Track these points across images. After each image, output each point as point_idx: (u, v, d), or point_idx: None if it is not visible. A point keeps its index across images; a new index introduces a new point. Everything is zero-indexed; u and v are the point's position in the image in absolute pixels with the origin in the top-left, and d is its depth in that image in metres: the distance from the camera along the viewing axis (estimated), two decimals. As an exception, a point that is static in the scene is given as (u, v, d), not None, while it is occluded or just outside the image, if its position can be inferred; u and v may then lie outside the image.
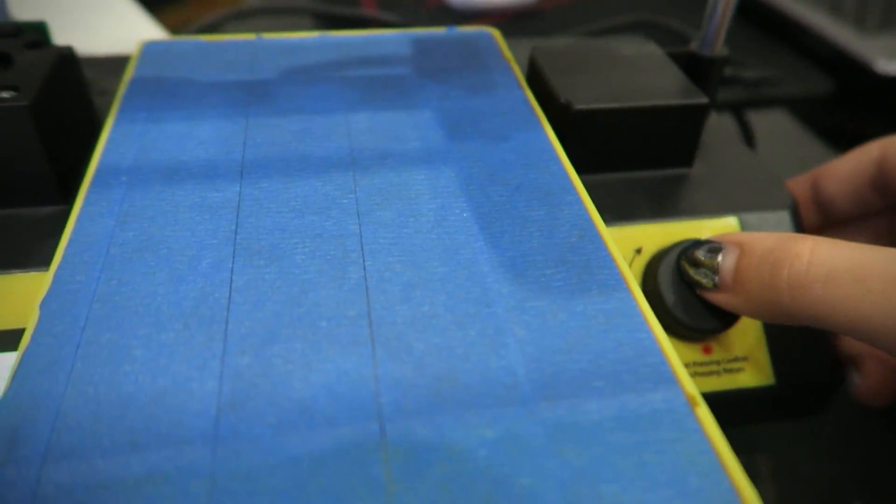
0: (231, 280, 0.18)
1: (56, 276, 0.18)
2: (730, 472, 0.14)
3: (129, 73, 0.27)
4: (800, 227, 0.26)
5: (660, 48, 0.30)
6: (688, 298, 0.23)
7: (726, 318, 0.23)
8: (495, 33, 0.31)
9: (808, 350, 0.25)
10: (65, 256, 0.19)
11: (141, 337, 0.17)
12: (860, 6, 0.51)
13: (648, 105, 0.26)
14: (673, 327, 0.24)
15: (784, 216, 0.26)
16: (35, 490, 0.13)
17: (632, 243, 0.25)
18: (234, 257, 0.18)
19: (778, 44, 0.52)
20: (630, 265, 0.25)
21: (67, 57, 0.26)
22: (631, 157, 0.27)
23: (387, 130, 0.24)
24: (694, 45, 0.30)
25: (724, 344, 0.24)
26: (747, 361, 0.25)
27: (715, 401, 0.24)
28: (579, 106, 0.25)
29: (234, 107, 0.24)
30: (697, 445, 0.15)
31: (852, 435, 0.29)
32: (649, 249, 0.25)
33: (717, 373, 0.24)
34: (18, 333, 0.22)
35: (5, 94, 0.23)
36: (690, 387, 0.16)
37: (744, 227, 0.26)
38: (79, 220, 0.20)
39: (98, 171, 0.22)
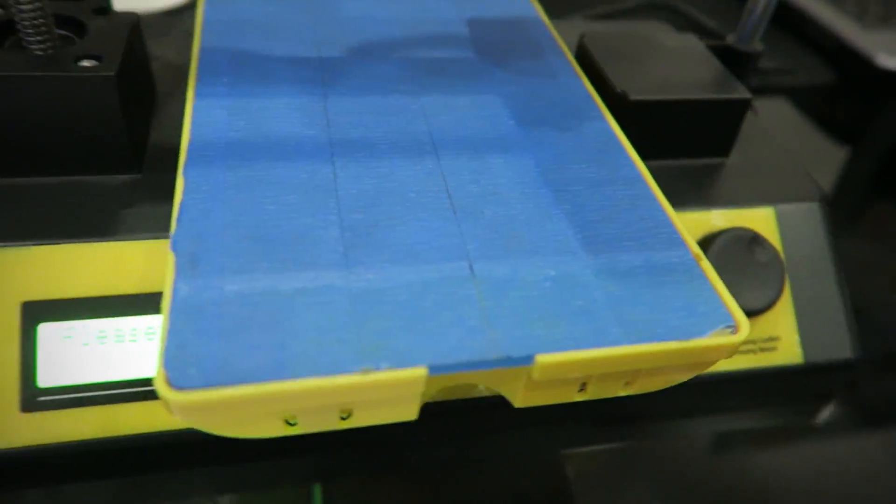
0: (334, 164, 0.22)
1: (188, 155, 0.21)
2: (726, 301, 0.19)
3: (196, 41, 0.27)
4: (828, 218, 0.28)
5: (700, 41, 0.31)
6: (731, 282, 0.25)
7: (766, 300, 0.26)
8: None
9: (837, 330, 0.27)
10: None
11: (270, 197, 0.21)
12: (862, 0, 0.53)
13: (698, 98, 0.27)
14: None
15: (815, 207, 0.28)
16: (220, 294, 0.18)
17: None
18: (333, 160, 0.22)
19: (780, 33, 0.54)
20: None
21: (136, 25, 0.26)
22: (675, 146, 0.29)
23: (461, 115, 0.25)
24: (730, 39, 0.32)
25: (760, 324, 0.27)
26: (779, 341, 0.27)
27: (750, 377, 0.26)
28: (635, 96, 0.27)
29: (308, 84, 0.25)
30: (702, 285, 0.19)
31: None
32: (693, 236, 0.27)
33: (754, 351, 0.26)
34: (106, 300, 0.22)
35: (87, 63, 0.23)
36: (696, 248, 0.21)
37: (779, 217, 0.28)
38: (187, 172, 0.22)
39: (191, 145, 0.22)
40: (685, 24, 0.52)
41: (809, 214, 0.28)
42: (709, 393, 0.27)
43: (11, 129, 0.23)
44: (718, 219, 0.27)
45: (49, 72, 0.22)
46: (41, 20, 0.23)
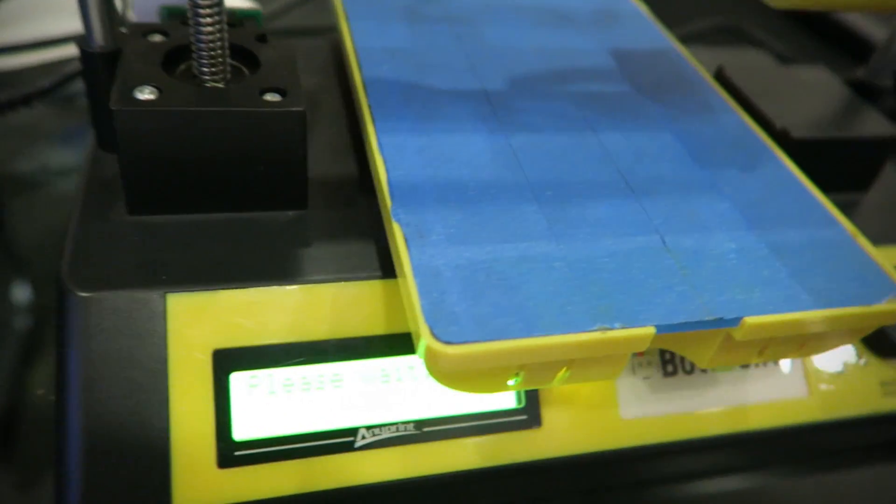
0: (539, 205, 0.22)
1: (393, 197, 0.21)
2: (889, 272, 0.21)
3: (355, 71, 0.26)
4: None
5: (833, 75, 0.31)
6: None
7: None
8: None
9: None
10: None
11: (466, 178, 0.22)
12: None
13: (859, 136, 0.27)
14: (885, 344, 0.26)
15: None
16: (453, 260, 0.19)
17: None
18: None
19: (802, 29, 0.54)
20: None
21: (294, 53, 0.25)
22: (827, 181, 0.29)
23: (643, 155, 0.24)
24: (861, 74, 0.32)
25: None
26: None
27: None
28: (797, 134, 0.27)
29: (485, 121, 0.24)
30: (865, 258, 0.22)
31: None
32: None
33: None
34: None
35: (270, 97, 0.22)
36: (851, 226, 0.23)
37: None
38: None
39: (392, 187, 0.21)
40: (753, 47, 0.52)
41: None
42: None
43: (186, 164, 0.22)
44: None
45: (237, 107, 0.21)
46: (219, 48, 0.22)
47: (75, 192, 0.24)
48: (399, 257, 0.19)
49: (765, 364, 0.25)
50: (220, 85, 0.22)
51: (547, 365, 0.19)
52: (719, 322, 0.19)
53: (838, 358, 0.26)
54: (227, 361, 0.21)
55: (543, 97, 0.26)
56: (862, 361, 0.26)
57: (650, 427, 0.24)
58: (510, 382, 0.19)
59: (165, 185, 0.22)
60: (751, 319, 0.19)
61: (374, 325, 0.22)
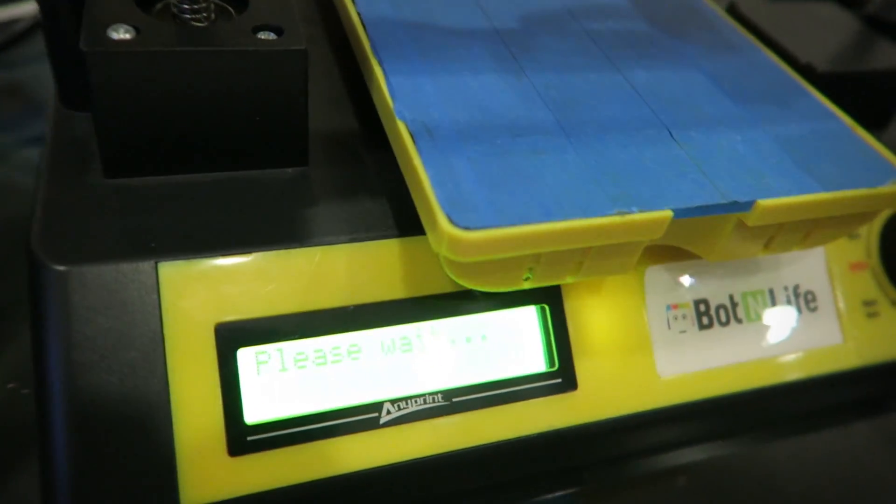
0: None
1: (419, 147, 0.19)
2: (889, 159, 0.21)
3: (352, 12, 0.23)
4: None
5: (845, 10, 0.30)
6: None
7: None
8: None
9: None
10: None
11: (471, 83, 0.21)
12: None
13: (885, 68, 0.26)
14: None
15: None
16: (465, 152, 0.18)
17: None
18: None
19: None
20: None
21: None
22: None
23: (673, 92, 0.22)
24: (871, 9, 0.30)
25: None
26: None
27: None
28: (823, 68, 0.25)
29: (501, 60, 0.22)
30: (865, 147, 0.22)
31: None
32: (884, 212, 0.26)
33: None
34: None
35: (265, 36, 0.19)
36: (848, 119, 0.23)
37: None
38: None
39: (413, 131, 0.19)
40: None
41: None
42: None
43: (170, 116, 0.19)
44: None
45: (228, 47, 0.19)
46: (201, -17, 0.19)
47: (40, 160, 0.21)
48: (407, 154, 0.18)
49: (798, 310, 0.24)
50: (201, 25, 0.20)
51: (563, 255, 0.18)
52: (734, 206, 0.19)
53: (869, 303, 0.25)
54: (233, 336, 0.18)
55: (561, 37, 0.24)
56: (891, 303, 0.25)
57: (689, 384, 0.22)
58: (525, 277, 0.19)
59: (147, 141, 0.19)
60: (764, 202, 0.19)
61: (392, 288, 0.20)
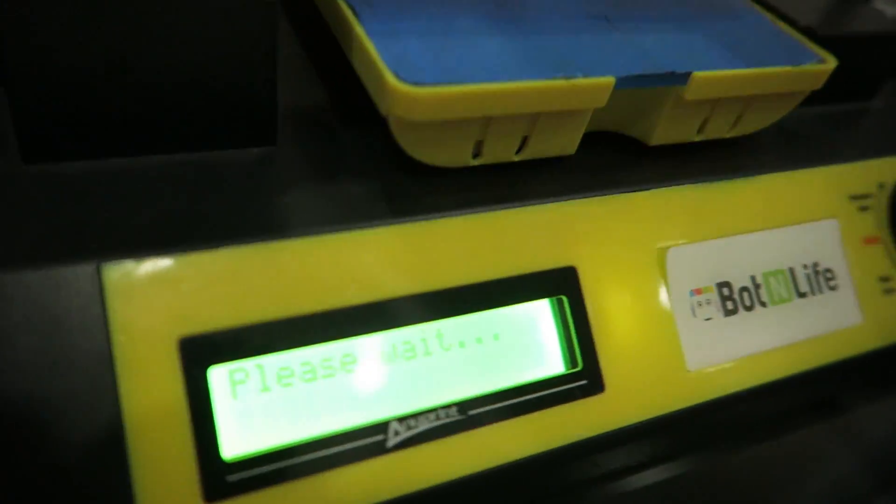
0: None
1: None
2: (811, 46, 0.22)
3: None
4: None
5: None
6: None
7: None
8: None
9: None
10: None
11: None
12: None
13: (884, 31, 0.25)
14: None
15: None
16: (405, 26, 0.18)
17: (872, 178, 0.24)
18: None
19: None
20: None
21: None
22: (845, 86, 0.26)
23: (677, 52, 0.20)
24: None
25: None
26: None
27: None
28: (823, 32, 0.24)
29: (490, 20, 0.19)
30: (788, 37, 0.23)
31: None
32: (891, 182, 0.24)
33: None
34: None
35: (222, -14, 0.16)
36: (771, 15, 0.24)
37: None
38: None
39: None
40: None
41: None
42: None
43: (106, 83, 0.15)
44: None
45: (179, -4, 0.15)
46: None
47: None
48: (349, 28, 0.18)
49: (819, 290, 0.22)
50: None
51: (509, 126, 0.18)
52: (672, 77, 0.19)
53: (885, 279, 0.24)
54: (201, 352, 0.15)
55: None
56: (904, 281, 0.24)
57: (719, 377, 0.20)
58: (473, 153, 0.19)
59: (77, 116, 0.16)
60: (699, 74, 0.19)
61: (384, 285, 0.17)
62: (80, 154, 0.16)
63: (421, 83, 0.16)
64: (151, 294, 0.15)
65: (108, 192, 0.16)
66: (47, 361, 0.14)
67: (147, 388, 0.14)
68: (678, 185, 0.21)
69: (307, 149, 0.18)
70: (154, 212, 0.16)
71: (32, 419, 0.13)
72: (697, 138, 0.22)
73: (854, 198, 0.24)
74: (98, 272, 0.14)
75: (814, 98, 0.24)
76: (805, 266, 0.22)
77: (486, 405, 0.17)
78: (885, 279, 0.23)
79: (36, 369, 0.14)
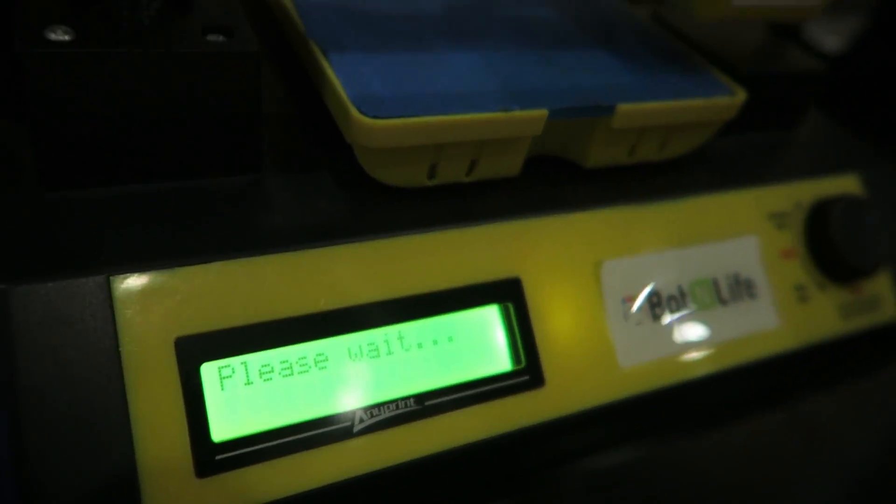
0: None
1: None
2: (723, 80, 0.25)
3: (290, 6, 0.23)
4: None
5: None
6: (854, 244, 0.26)
7: (878, 260, 0.27)
8: None
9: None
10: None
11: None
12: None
13: (798, 70, 0.28)
14: (840, 269, 0.26)
15: (888, 170, 0.30)
16: (371, 61, 0.21)
17: (790, 199, 0.27)
18: None
19: None
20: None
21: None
22: (762, 118, 0.29)
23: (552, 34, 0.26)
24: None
25: (868, 287, 0.28)
26: (883, 299, 0.28)
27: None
28: (746, 70, 0.27)
29: (444, 57, 0.22)
30: (701, 70, 0.26)
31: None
32: (807, 202, 0.27)
33: (865, 310, 0.28)
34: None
35: (214, 38, 0.19)
36: (684, 45, 0.27)
37: (867, 184, 0.29)
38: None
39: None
40: None
41: (887, 176, 0.30)
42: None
43: (113, 122, 0.18)
44: (816, 187, 0.28)
45: (177, 49, 0.18)
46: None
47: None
48: (320, 67, 0.21)
49: (740, 298, 0.25)
50: (144, 24, 0.19)
51: (458, 150, 0.21)
52: (599, 110, 0.22)
53: (800, 287, 0.27)
54: (194, 351, 0.17)
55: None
56: (819, 287, 0.27)
57: (648, 373, 0.23)
58: (428, 175, 0.21)
59: (89, 149, 0.18)
60: (623, 106, 0.22)
61: (352, 293, 0.19)
62: (92, 182, 0.19)
63: (380, 116, 0.19)
64: (152, 301, 0.17)
65: (116, 214, 0.18)
66: (65, 357, 0.16)
67: (148, 380, 0.17)
68: (613, 204, 0.24)
69: (287, 174, 0.21)
70: (155, 231, 0.18)
71: (52, 406, 0.16)
72: (629, 161, 0.25)
73: (773, 216, 0.27)
74: (107, 282, 0.17)
75: (740, 126, 0.27)
76: (727, 277, 0.25)
77: (441, 397, 0.20)
78: (800, 288, 0.27)
79: (56, 366, 0.16)
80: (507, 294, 0.21)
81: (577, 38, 0.26)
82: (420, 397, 0.20)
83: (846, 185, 0.29)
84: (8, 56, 0.17)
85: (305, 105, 0.24)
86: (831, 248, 0.26)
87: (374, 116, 0.19)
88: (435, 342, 0.20)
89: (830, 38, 0.51)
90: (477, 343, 0.21)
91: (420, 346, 0.20)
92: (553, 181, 0.24)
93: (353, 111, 0.19)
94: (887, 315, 0.28)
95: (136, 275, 0.17)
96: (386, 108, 0.20)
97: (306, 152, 0.22)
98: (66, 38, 0.17)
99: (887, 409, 0.28)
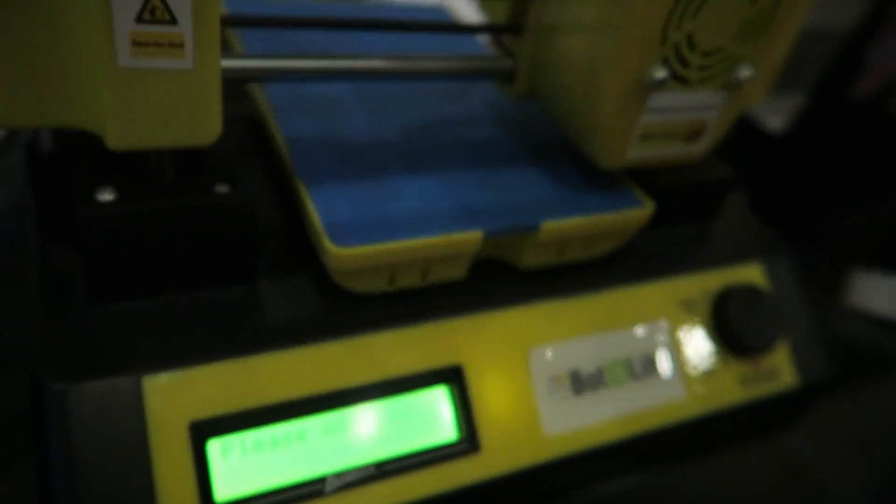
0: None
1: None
2: (637, 194, 0.31)
3: (275, 128, 0.30)
4: (797, 267, 0.36)
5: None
6: (751, 325, 0.32)
7: (772, 339, 0.32)
8: None
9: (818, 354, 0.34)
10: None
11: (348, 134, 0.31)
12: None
13: (708, 180, 0.33)
14: (738, 347, 0.32)
15: (789, 259, 0.35)
16: (344, 196, 0.27)
17: (699, 288, 0.33)
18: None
19: None
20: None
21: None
22: (679, 215, 0.35)
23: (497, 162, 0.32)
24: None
25: (767, 360, 0.33)
26: (780, 370, 0.33)
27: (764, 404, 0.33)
28: (662, 180, 0.32)
29: (402, 187, 0.28)
30: (618, 185, 0.32)
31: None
32: (713, 289, 0.33)
33: (763, 380, 0.33)
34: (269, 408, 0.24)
35: (221, 188, 0.24)
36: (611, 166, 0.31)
37: (768, 272, 0.34)
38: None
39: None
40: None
41: (787, 264, 0.35)
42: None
43: (145, 253, 0.24)
44: (725, 275, 0.33)
45: (192, 202, 0.24)
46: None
47: (23, 286, 0.25)
48: (303, 200, 0.27)
49: (650, 374, 0.30)
50: (169, 177, 0.24)
51: (412, 263, 0.27)
52: (526, 228, 0.28)
53: (705, 362, 0.32)
54: (203, 430, 0.23)
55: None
56: (722, 362, 0.32)
57: (570, 439, 0.28)
58: (388, 282, 0.27)
59: (126, 273, 0.24)
60: (547, 224, 0.28)
61: (329, 381, 0.25)
62: (128, 296, 0.24)
63: (347, 245, 0.25)
64: (172, 395, 0.23)
65: (144, 322, 0.24)
66: (106, 437, 0.22)
67: (169, 454, 0.22)
68: (543, 299, 0.29)
69: (276, 284, 0.27)
70: (173, 336, 0.24)
71: (97, 475, 0.21)
72: (559, 262, 0.30)
73: (683, 303, 0.32)
74: (138, 381, 0.22)
75: (663, 221, 0.33)
76: (641, 356, 0.31)
77: (396, 464, 0.25)
78: (705, 362, 0.32)
79: (100, 448, 0.22)
80: (452, 378, 0.27)
81: (517, 158, 0.32)
82: (380, 465, 0.25)
83: (749, 273, 0.34)
84: (66, 210, 0.23)
85: (293, 218, 0.30)
86: (730, 330, 0.32)
87: (342, 245, 0.25)
88: (392, 419, 0.26)
89: (772, 117, 0.57)
90: (426, 418, 0.26)
91: (380, 421, 0.26)
92: (493, 280, 0.30)
93: (326, 241, 0.25)
94: (784, 383, 0.33)
95: (160, 374, 0.23)
96: (352, 237, 0.25)
97: (292, 262, 0.28)
98: (111, 198, 0.23)
99: (789, 469, 0.33)
